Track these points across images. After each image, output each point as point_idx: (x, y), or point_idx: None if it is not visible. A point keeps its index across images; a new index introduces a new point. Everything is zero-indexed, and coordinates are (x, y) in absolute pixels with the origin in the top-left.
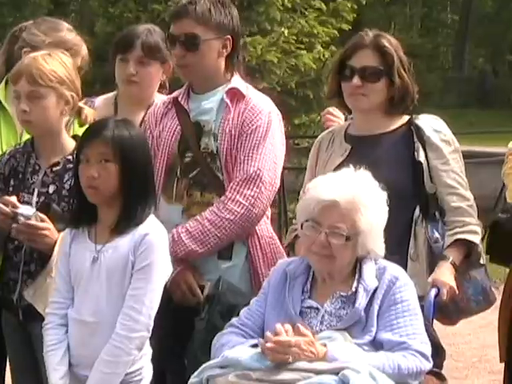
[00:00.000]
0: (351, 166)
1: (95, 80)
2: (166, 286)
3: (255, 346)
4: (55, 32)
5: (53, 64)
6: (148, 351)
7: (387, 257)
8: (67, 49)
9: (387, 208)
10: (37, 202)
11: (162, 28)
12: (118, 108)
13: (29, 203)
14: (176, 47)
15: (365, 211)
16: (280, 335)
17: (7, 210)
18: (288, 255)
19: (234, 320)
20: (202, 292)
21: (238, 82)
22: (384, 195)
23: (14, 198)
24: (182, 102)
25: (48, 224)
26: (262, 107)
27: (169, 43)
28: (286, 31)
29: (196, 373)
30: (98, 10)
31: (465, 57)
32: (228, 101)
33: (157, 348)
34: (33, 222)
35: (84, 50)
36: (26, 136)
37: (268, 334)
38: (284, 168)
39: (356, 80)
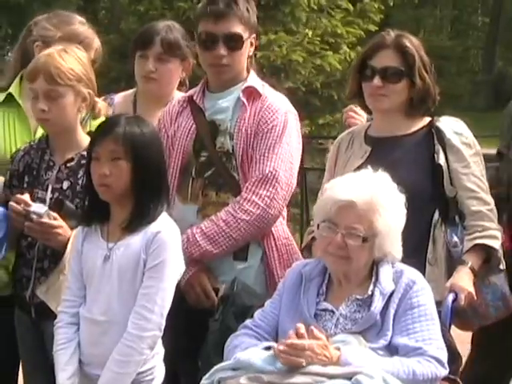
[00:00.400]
0: (369, 167)
1: (120, 77)
2: (178, 285)
3: (268, 348)
4: (67, 25)
5: (70, 61)
6: (160, 350)
7: (404, 260)
8: (79, 42)
9: (405, 210)
10: (51, 199)
11: (187, 26)
12: (137, 105)
13: (43, 199)
14: (218, 47)
15: (383, 212)
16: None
17: (20, 208)
18: (303, 257)
19: (247, 321)
20: (217, 295)
21: (254, 80)
22: (402, 197)
23: (26, 196)
24: (198, 101)
25: (60, 222)
26: (279, 106)
27: (204, 43)
28: (310, 32)
29: (208, 374)
30: (128, 8)
31: (495, 59)
32: (244, 99)
33: (170, 349)
34: (45, 220)
35: (96, 42)
36: (40, 132)
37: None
38: (307, 168)
39: (377, 80)
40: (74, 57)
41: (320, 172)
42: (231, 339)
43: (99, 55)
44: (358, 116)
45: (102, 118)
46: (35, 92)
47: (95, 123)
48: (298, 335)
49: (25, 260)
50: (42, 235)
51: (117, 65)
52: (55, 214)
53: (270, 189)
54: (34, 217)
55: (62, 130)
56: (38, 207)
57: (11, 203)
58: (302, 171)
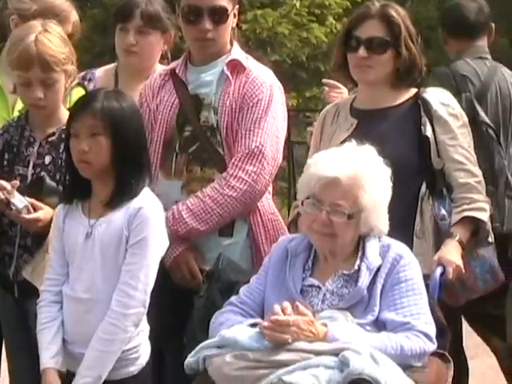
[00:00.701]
0: (354, 140)
1: (104, 52)
2: (163, 262)
3: (254, 325)
4: None
5: (58, 44)
6: (145, 328)
7: (391, 234)
8: (56, 15)
9: (391, 184)
10: (32, 174)
11: None
12: (119, 79)
13: (24, 176)
14: (203, 21)
15: (368, 188)
16: (278, 315)
17: (1, 196)
18: (290, 231)
19: (232, 298)
20: (203, 275)
21: (238, 52)
22: (388, 171)
23: (14, 183)
24: (180, 74)
25: (39, 213)
26: (264, 80)
27: (188, 16)
28: (297, 3)
29: (193, 352)
30: None
31: None
32: (228, 73)
33: (155, 326)
34: (23, 215)
35: (74, 15)
36: (18, 107)
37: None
38: (294, 142)
39: (362, 51)
40: (57, 36)
41: (307, 145)
42: (216, 316)
43: (77, 29)
44: (338, 94)
45: (80, 92)
46: (27, 79)
47: (74, 98)
48: (284, 313)
49: (7, 237)
50: (21, 224)
51: (100, 39)
52: (35, 202)
53: (257, 164)
54: (13, 208)
55: (53, 111)
56: (18, 201)
57: None
58: (289, 145)
